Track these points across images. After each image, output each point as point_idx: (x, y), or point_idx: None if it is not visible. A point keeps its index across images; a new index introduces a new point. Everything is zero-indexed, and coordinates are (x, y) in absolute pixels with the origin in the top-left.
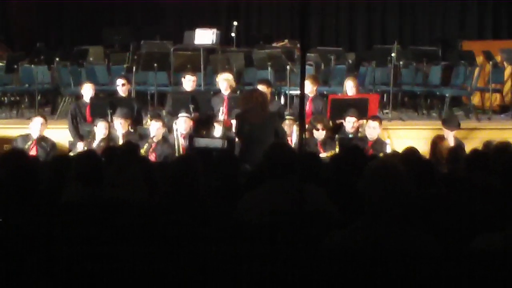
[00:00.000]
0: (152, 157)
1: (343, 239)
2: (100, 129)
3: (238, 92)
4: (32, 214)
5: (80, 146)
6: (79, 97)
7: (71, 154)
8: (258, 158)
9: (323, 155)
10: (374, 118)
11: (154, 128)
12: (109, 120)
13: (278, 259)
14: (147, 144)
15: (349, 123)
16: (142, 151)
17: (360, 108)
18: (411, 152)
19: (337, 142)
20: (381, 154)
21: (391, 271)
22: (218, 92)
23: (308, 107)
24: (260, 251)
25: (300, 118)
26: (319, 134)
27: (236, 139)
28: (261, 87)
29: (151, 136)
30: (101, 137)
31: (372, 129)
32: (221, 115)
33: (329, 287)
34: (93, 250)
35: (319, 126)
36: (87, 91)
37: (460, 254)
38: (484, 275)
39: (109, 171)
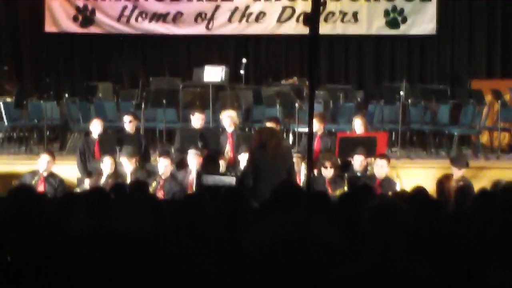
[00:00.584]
0: (160, 194)
1: (348, 272)
2: (106, 165)
3: (246, 129)
4: (39, 248)
5: (87, 183)
6: (88, 133)
7: (78, 190)
8: (266, 195)
9: (331, 193)
10: (382, 156)
11: (162, 165)
12: (117, 156)
13: None
14: (155, 182)
15: (357, 162)
16: (150, 188)
17: (368, 147)
18: (419, 192)
19: (345, 180)
20: (390, 193)
21: None
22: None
23: (316, 145)
24: (265, 283)
25: (308, 156)
26: (328, 172)
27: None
28: (270, 125)
29: (159, 173)
30: (108, 173)
31: (380, 167)
32: (227, 152)
33: None
34: (100, 281)
35: (328, 164)
36: (96, 127)
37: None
38: None
39: (118, 208)
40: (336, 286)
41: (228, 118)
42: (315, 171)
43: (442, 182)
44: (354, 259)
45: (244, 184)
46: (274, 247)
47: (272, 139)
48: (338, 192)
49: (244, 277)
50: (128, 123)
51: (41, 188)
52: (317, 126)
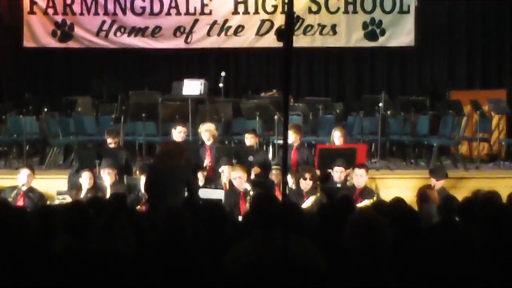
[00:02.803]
0: (143, 210)
1: None
2: (84, 180)
3: (226, 142)
4: (19, 265)
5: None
6: None
7: (56, 202)
8: (162, 211)
9: (306, 202)
10: (360, 166)
11: (143, 181)
12: (97, 170)
13: None
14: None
15: (337, 173)
16: (138, 207)
17: (348, 158)
18: (398, 203)
19: (318, 188)
20: (369, 202)
21: None
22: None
23: (293, 156)
24: None
25: (283, 168)
26: (306, 184)
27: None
28: (249, 137)
29: (141, 189)
30: (87, 188)
31: (359, 177)
32: (206, 166)
33: None
34: None
35: (307, 176)
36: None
37: None
38: None
39: (97, 223)
40: None
41: (207, 132)
42: (293, 183)
43: (424, 192)
44: (336, 279)
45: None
46: (254, 268)
47: (168, 151)
48: (313, 199)
49: None
50: (112, 143)
51: (20, 202)
52: (293, 138)
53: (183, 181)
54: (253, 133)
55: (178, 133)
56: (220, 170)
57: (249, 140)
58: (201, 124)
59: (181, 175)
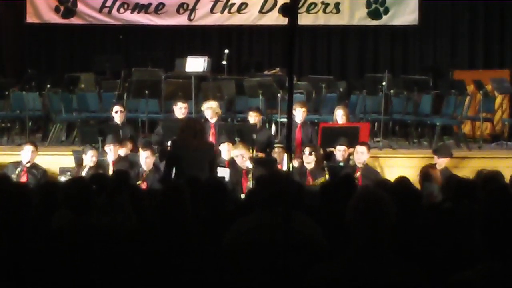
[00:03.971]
0: (143, 186)
1: (328, 272)
2: (88, 157)
3: (229, 120)
4: (22, 241)
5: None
6: None
7: (61, 179)
8: None
9: (312, 184)
10: (362, 143)
11: (143, 157)
12: (99, 147)
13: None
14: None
15: (339, 152)
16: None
17: (351, 137)
18: (402, 182)
19: (326, 169)
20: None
21: None
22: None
23: (297, 133)
24: (246, 281)
25: (287, 146)
26: (310, 159)
27: None
28: (252, 115)
29: (142, 165)
30: (90, 165)
31: (360, 154)
32: None
33: None
34: (82, 276)
35: (311, 154)
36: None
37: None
38: None
39: (99, 199)
40: (317, 286)
41: (209, 109)
42: (297, 161)
43: (427, 171)
44: (337, 257)
45: (167, 175)
46: (255, 243)
47: (193, 129)
48: (319, 182)
49: (225, 273)
50: (119, 113)
51: (23, 179)
52: (301, 114)
53: (208, 161)
54: (257, 111)
55: (179, 110)
56: (220, 147)
57: (253, 118)
58: (204, 102)
59: (207, 154)
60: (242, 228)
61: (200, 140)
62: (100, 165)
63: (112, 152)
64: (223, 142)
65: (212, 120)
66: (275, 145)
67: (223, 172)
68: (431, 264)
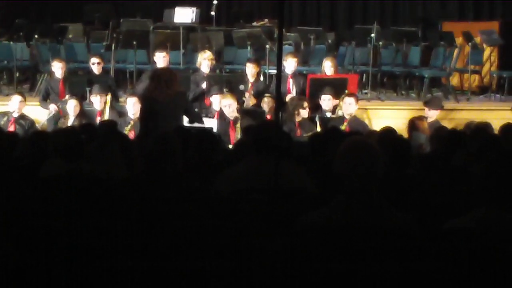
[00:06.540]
0: (131, 134)
1: (318, 218)
2: (70, 107)
3: (217, 71)
4: (10, 189)
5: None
6: (51, 74)
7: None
8: None
9: (301, 135)
10: (350, 94)
11: (130, 104)
12: (87, 97)
13: (255, 234)
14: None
15: (325, 101)
16: (126, 130)
17: (339, 88)
18: (388, 132)
19: (317, 121)
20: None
21: (367, 250)
22: (196, 70)
23: (288, 84)
24: (238, 227)
25: (277, 96)
26: (304, 113)
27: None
28: (250, 66)
29: (129, 113)
30: (73, 115)
31: (348, 105)
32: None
33: (304, 265)
34: (72, 224)
35: (305, 105)
36: (57, 69)
37: (435, 234)
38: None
39: (89, 148)
40: (307, 233)
41: (209, 60)
42: (288, 115)
43: (415, 122)
44: (327, 204)
45: (144, 130)
46: (246, 191)
47: (163, 79)
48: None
49: (215, 220)
50: (96, 65)
51: (11, 128)
52: (293, 64)
53: (181, 110)
54: (255, 62)
55: (162, 58)
56: (211, 98)
57: (251, 69)
58: (202, 52)
59: (179, 103)
60: (232, 175)
61: (170, 89)
62: (86, 114)
63: (99, 102)
64: (214, 93)
65: (207, 71)
66: (265, 95)
67: (211, 123)
68: (423, 212)
